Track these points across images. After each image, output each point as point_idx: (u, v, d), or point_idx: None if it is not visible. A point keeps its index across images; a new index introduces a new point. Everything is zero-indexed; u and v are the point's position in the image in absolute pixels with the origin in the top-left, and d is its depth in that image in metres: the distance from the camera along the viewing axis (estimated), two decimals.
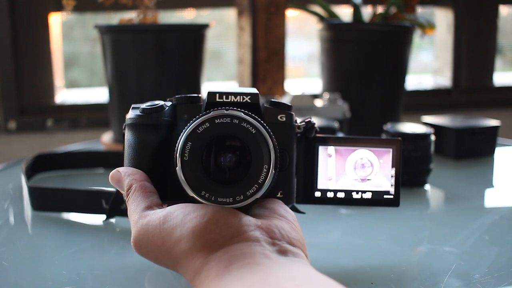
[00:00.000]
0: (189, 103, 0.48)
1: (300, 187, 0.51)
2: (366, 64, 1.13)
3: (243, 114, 0.41)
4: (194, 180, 0.41)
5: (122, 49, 0.98)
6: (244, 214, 0.41)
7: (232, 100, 0.45)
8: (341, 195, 0.51)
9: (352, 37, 1.14)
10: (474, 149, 1.02)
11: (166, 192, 0.46)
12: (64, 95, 1.71)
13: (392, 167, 0.51)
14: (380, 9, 1.22)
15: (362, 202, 0.52)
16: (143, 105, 0.48)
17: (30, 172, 0.83)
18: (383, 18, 1.19)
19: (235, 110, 0.41)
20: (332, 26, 1.16)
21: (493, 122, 1.05)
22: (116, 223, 0.69)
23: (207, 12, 1.78)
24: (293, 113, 0.48)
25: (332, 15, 1.22)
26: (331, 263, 0.58)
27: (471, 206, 0.77)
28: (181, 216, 0.39)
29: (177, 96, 0.48)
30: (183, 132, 0.41)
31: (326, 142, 0.51)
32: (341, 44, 1.15)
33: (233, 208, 0.41)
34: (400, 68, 1.15)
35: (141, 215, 0.42)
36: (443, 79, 1.98)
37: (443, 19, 1.94)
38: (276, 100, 0.48)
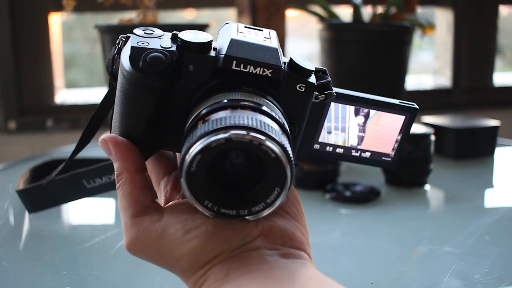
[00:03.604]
0: (197, 52, 0.40)
1: (302, 137, 0.47)
2: (366, 64, 1.13)
3: (267, 141, 0.35)
4: (199, 189, 0.37)
5: None
6: (245, 222, 0.38)
7: (250, 71, 0.40)
8: (340, 150, 0.48)
9: (352, 37, 1.14)
10: (474, 149, 1.02)
11: (161, 142, 0.42)
12: (64, 95, 1.71)
13: (400, 133, 0.48)
14: (380, 9, 1.22)
15: (359, 160, 0.49)
16: (146, 55, 0.40)
17: (38, 179, 0.81)
18: (383, 18, 1.19)
19: (258, 132, 0.35)
20: (332, 26, 1.16)
21: (493, 122, 1.05)
22: (115, 223, 0.69)
23: (207, 12, 1.78)
24: (313, 81, 0.42)
25: (332, 15, 1.22)
26: (331, 263, 0.58)
27: (471, 206, 0.77)
28: (180, 233, 0.38)
29: (184, 39, 0.41)
30: (191, 143, 0.35)
31: (339, 98, 0.46)
32: (341, 44, 1.15)
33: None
34: (400, 68, 1.15)
35: (134, 221, 0.39)
36: (443, 79, 1.98)
37: (443, 19, 1.94)
38: (297, 62, 0.41)
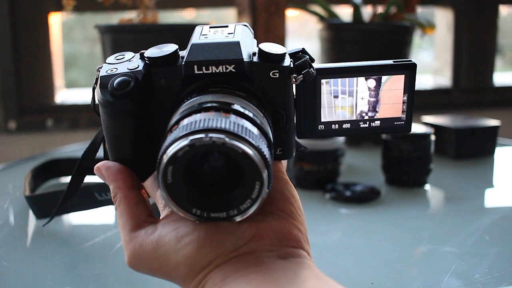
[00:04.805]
0: (164, 65, 0.41)
1: (302, 122, 0.46)
2: None
3: (226, 138, 0.34)
4: (183, 199, 0.37)
5: (122, 49, 0.97)
6: (238, 224, 0.39)
7: (213, 71, 0.40)
8: (347, 126, 0.47)
9: (352, 37, 1.14)
10: (474, 149, 1.02)
11: (154, 163, 0.41)
12: (64, 95, 1.71)
13: (404, 93, 0.47)
14: (380, 9, 1.22)
15: (370, 131, 0.47)
16: (112, 81, 0.41)
17: (40, 179, 0.81)
18: (383, 18, 1.19)
19: (218, 131, 0.34)
20: (332, 26, 1.16)
21: (493, 122, 1.05)
22: (115, 223, 0.69)
23: (207, 12, 1.78)
24: (286, 65, 0.41)
25: (332, 15, 1.22)
26: (331, 263, 0.58)
27: (471, 206, 0.77)
28: (174, 242, 0.38)
29: (149, 55, 0.42)
30: (161, 153, 0.35)
31: (329, 74, 0.45)
32: (341, 44, 1.15)
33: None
34: None
35: (131, 236, 0.40)
36: (443, 79, 1.98)
37: (443, 19, 1.94)
38: (266, 50, 0.41)
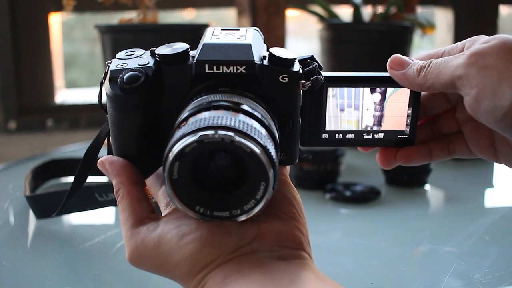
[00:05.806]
0: (174, 63, 0.42)
1: (306, 129, 0.46)
2: (366, 64, 1.13)
3: (235, 137, 0.34)
4: (187, 196, 0.37)
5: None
6: (240, 224, 0.39)
7: (224, 71, 0.40)
8: (350, 136, 0.47)
9: (352, 37, 1.14)
10: None
11: (158, 161, 0.40)
12: (64, 95, 1.71)
13: (409, 106, 0.46)
14: (380, 9, 1.22)
15: (373, 143, 0.48)
16: (122, 75, 0.41)
17: (40, 179, 0.81)
18: (383, 18, 1.19)
19: (227, 129, 0.35)
20: (332, 26, 1.16)
21: None
22: (115, 223, 0.69)
23: (207, 12, 1.78)
24: (296, 70, 0.42)
25: (332, 15, 1.22)
26: (331, 263, 0.58)
27: (471, 206, 0.77)
28: (176, 239, 0.38)
29: (160, 53, 0.42)
30: (168, 148, 0.35)
31: (336, 82, 0.45)
32: (341, 44, 1.15)
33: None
34: None
35: (133, 232, 0.40)
36: None
37: (443, 19, 1.94)
38: (276, 54, 0.41)
